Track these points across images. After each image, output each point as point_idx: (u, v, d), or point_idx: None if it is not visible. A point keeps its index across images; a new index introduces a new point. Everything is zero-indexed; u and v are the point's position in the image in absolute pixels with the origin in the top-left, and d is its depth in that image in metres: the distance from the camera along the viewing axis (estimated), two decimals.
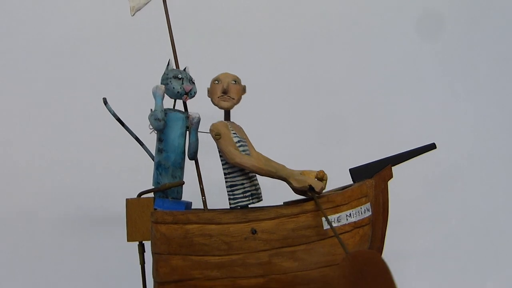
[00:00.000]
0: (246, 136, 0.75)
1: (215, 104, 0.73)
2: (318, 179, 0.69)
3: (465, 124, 1.21)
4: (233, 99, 0.71)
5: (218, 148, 0.70)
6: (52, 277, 1.04)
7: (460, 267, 1.13)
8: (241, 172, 0.70)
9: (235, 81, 0.72)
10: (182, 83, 0.74)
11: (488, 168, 1.19)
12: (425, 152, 0.76)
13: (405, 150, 0.76)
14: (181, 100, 0.75)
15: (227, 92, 0.71)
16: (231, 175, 0.70)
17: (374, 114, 1.17)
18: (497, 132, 1.21)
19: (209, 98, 0.73)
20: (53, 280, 1.03)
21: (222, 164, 0.71)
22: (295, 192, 0.70)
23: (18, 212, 1.06)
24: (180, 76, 0.74)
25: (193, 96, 0.76)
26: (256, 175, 0.72)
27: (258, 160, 0.69)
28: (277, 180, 0.69)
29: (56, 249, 1.05)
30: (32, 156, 1.09)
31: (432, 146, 0.76)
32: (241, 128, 0.75)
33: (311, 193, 0.67)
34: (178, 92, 0.73)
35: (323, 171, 0.70)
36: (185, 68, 0.77)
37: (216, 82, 0.72)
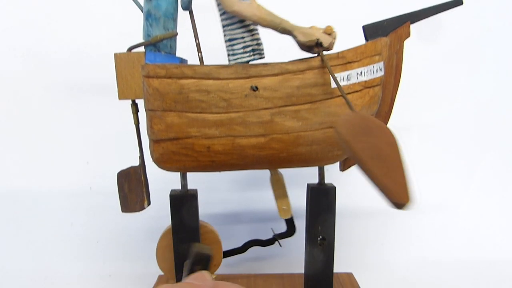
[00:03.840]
0: None
1: None
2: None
3: None
4: None
5: None
6: (47, 143, 1.03)
7: (461, 142, 1.13)
8: (241, 24, 0.63)
9: None
10: None
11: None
12: (449, 8, 0.68)
13: (427, 6, 0.67)
14: None
15: None
16: (230, 27, 0.63)
17: None
18: None
19: None
20: (49, 145, 1.03)
21: (220, 15, 0.64)
22: (301, 48, 0.63)
23: (9, 81, 1.02)
24: None
25: None
26: (258, 29, 0.64)
27: (259, 9, 0.61)
28: (282, 37, 0.62)
29: (49, 116, 1.03)
30: (20, 26, 1.02)
31: (458, 2, 0.67)
32: None
33: (318, 48, 0.60)
34: None
35: (331, 26, 0.63)
36: None
37: None
